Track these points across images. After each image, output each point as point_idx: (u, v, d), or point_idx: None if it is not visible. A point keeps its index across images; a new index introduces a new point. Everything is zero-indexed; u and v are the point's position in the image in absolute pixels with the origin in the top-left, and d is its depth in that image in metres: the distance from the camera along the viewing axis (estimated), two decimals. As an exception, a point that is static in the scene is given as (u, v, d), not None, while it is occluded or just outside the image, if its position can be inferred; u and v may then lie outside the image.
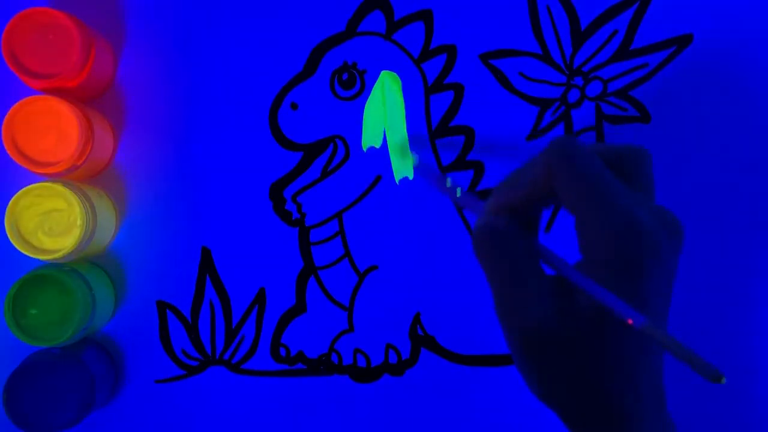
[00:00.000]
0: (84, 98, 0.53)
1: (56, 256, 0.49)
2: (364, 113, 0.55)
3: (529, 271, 0.32)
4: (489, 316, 0.55)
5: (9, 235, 0.48)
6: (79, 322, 0.49)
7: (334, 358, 0.55)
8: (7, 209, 0.48)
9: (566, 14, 0.54)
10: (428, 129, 0.55)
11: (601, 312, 0.31)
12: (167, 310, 0.55)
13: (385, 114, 0.49)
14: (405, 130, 0.49)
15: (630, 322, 0.30)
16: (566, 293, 0.32)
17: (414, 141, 0.54)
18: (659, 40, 0.55)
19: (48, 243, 0.49)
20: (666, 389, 0.36)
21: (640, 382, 0.32)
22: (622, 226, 0.31)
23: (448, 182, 0.46)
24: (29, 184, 0.48)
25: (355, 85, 0.55)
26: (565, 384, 0.32)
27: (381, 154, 0.48)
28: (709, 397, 0.55)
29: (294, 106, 0.55)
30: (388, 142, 0.50)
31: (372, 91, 0.55)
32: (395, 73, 0.51)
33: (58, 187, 0.48)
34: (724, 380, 0.28)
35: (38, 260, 0.50)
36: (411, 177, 0.47)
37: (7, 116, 0.48)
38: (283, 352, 0.55)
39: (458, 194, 0.44)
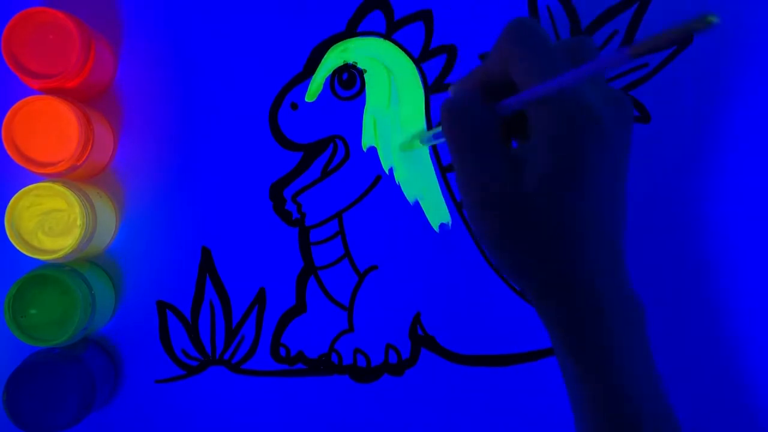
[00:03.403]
0: (84, 98, 0.53)
1: (56, 256, 0.49)
2: (364, 113, 0.55)
3: (489, 138, 0.34)
4: (489, 316, 0.55)
5: (9, 235, 0.48)
6: (79, 322, 0.49)
7: (334, 358, 0.55)
8: (7, 209, 0.48)
9: (566, 14, 0.54)
10: (429, 129, 0.55)
11: (551, 176, 0.32)
12: (167, 310, 0.55)
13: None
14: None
15: (625, 52, 0.28)
16: (520, 163, 0.34)
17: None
18: (659, 40, 0.55)
19: (48, 243, 0.49)
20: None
21: (590, 247, 0.33)
22: (566, 99, 0.32)
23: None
24: (29, 184, 0.48)
25: (355, 85, 0.54)
26: (520, 244, 0.34)
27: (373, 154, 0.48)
28: (709, 398, 0.55)
29: (294, 106, 0.54)
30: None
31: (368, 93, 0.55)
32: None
33: (58, 187, 0.48)
34: (715, 18, 0.25)
35: (38, 260, 0.50)
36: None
37: (7, 116, 0.48)
38: (283, 352, 0.55)
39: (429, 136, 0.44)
